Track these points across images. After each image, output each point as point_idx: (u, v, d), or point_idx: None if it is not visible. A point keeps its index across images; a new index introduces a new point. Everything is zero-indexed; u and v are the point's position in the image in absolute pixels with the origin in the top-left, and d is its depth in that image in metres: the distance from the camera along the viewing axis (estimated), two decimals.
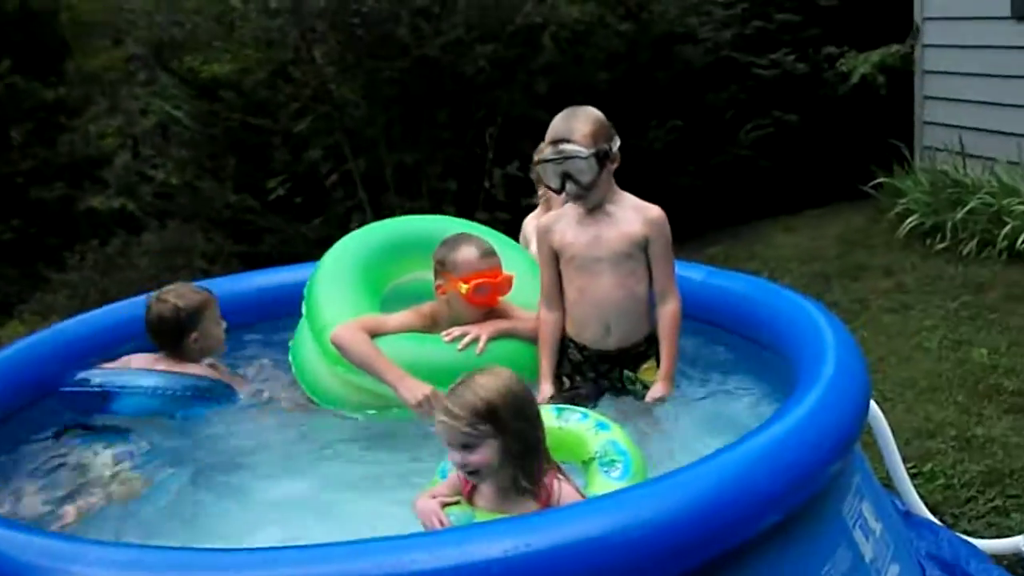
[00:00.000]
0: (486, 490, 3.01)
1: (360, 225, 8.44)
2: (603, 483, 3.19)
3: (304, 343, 4.19)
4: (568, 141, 3.78)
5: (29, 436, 4.00)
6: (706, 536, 2.65)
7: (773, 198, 9.92)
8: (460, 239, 4.01)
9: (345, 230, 8.74)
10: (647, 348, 3.98)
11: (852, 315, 6.99)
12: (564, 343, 4.03)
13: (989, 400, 5.63)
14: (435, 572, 2.43)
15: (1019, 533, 4.24)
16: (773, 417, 3.11)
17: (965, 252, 7.87)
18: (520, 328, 4.04)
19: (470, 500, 3.05)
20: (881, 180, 9.16)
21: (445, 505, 3.04)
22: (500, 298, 4.05)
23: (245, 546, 2.92)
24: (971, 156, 8.81)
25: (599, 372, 4.01)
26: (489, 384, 2.89)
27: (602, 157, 3.81)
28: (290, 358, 4.28)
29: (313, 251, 9.08)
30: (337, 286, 4.16)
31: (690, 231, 9.38)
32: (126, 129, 11.83)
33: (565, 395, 3.91)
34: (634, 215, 3.90)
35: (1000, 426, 5.33)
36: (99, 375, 4.04)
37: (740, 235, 9.36)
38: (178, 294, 4.10)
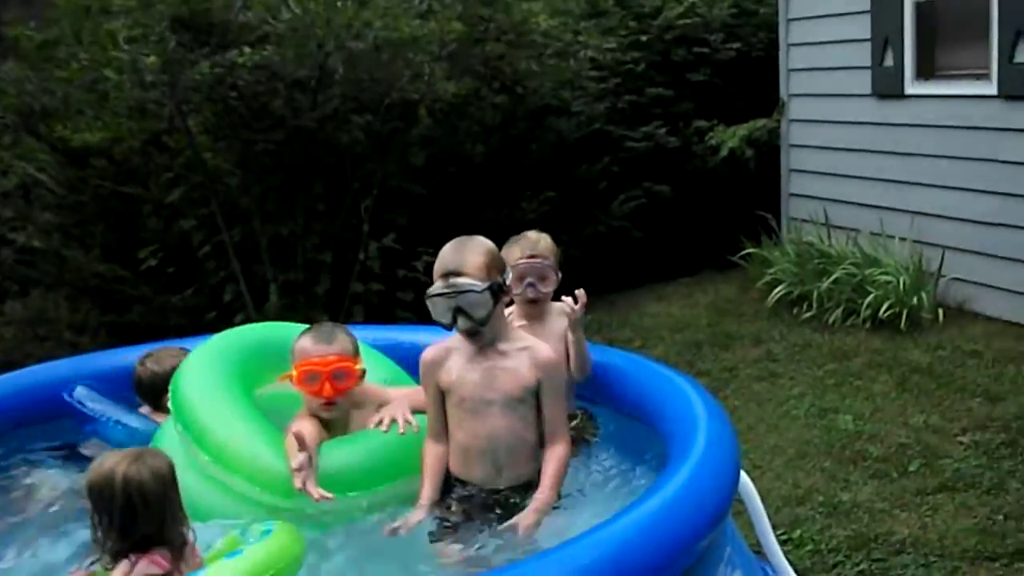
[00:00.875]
0: None
1: (233, 296, 8.45)
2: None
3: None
4: (460, 274, 3.58)
5: None
6: None
7: (646, 268, 10.09)
8: (310, 328, 3.89)
9: (218, 301, 8.71)
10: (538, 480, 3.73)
11: (722, 383, 7.14)
12: (449, 481, 3.78)
13: (855, 466, 5.79)
14: None
15: None
16: (646, 493, 3.15)
17: (831, 321, 8.10)
18: (418, 403, 3.84)
19: None
20: (750, 251, 9.40)
21: None
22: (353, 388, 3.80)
23: None
24: (835, 227, 9.12)
25: (486, 507, 3.72)
26: None
27: (496, 290, 3.63)
28: None
29: (183, 321, 9.00)
30: (225, 407, 3.78)
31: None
32: None
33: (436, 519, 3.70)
34: (527, 357, 3.72)
35: (865, 491, 5.48)
36: (95, 399, 4.45)
37: (614, 304, 9.48)
38: (156, 359, 4.43)
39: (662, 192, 10.20)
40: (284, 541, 3.18)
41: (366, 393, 3.88)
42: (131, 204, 9.26)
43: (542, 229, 9.54)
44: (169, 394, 3.91)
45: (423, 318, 5.63)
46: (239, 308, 8.36)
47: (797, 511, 5.32)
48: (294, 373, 3.75)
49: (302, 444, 3.50)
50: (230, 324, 8.20)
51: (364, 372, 3.82)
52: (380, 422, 3.78)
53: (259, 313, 8.20)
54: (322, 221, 8.37)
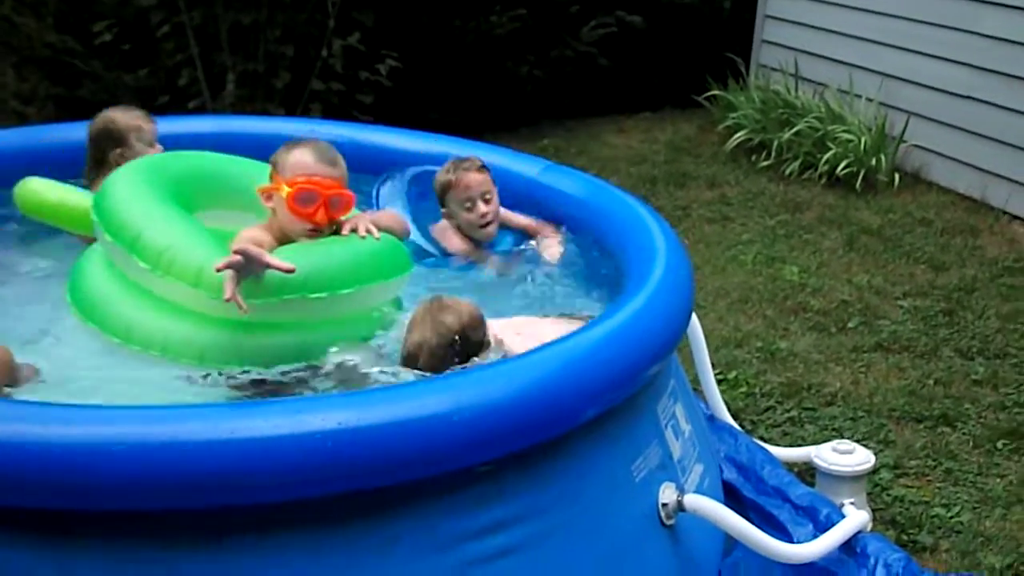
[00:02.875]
0: None
1: (189, 81, 8.24)
2: None
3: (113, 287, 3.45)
4: None
5: None
6: (530, 424, 2.69)
7: (608, 98, 9.97)
8: (303, 142, 3.55)
9: (172, 84, 8.49)
10: None
11: (675, 221, 7.12)
12: None
13: (795, 316, 5.87)
14: (270, 440, 2.42)
15: (811, 443, 4.44)
16: (602, 315, 3.16)
17: (787, 172, 8.10)
18: (381, 218, 3.69)
19: None
20: (715, 92, 9.30)
21: None
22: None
23: None
24: (804, 79, 9.03)
25: None
26: None
27: None
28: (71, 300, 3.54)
29: (134, 101, 8.77)
30: (165, 217, 3.41)
31: (524, 120, 9.42)
32: None
33: None
34: None
35: (803, 342, 5.56)
36: None
37: (573, 131, 9.40)
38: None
39: (634, 22, 9.99)
40: None
41: None
42: None
43: (509, 46, 9.47)
44: (92, 207, 3.56)
45: (383, 122, 5.58)
46: (195, 94, 8.15)
47: (735, 353, 5.39)
48: (285, 189, 3.41)
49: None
50: (183, 109, 8.04)
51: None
52: (339, 230, 3.53)
53: (215, 101, 8.03)
54: (287, 12, 8.11)
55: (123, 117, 4.34)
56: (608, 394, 2.93)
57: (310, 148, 3.48)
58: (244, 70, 8.06)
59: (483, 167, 4.32)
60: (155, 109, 8.11)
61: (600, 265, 4.09)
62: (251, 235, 3.37)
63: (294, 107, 8.16)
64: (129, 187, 3.51)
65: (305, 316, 3.32)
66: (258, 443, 2.43)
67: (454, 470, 2.60)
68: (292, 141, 3.54)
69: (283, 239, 3.45)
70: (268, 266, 3.09)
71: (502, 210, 4.41)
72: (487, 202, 4.29)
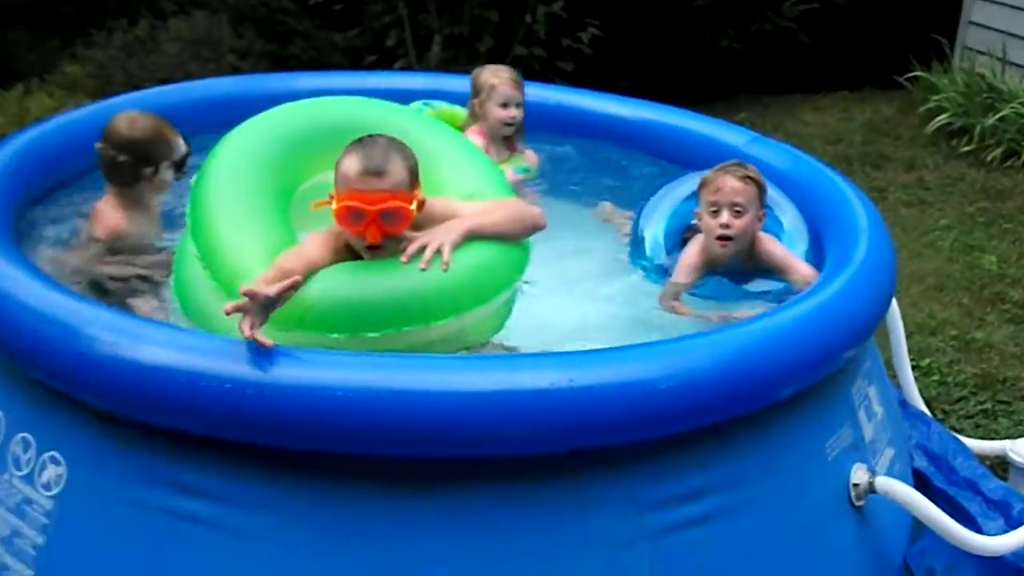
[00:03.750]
0: None
1: (397, 43, 8.47)
2: None
3: (193, 276, 3.24)
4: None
5: None
6: (733, 396, 2.76)
7: (807, 74, 9.83)
8: (360, 143, 3.09)
9: (380, 44, 8.73)
10: None
11: None
12: None
13: (993, 307, 5.75)
14: (481, 395, 2.55)
15: (1004, 437, 4.39)
16: (804, 294, 3.20)
17: (989, 159, 7.88)
18: (484, 227, 3.21)
19: None
20: (917, 74, 9.08)
21: None
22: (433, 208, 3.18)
23: None
24: (1012, 64, 8.74)
25: None
26: None
27: None
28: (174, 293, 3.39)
29: (342, 60, 9.06)
30: (237, 204, 3.24)
31: (721, 93, 9.37)
32: None
33: None
34: None
35: (1000, 333, 5.46)
36: None
37: (769, 106, 9.32)
38: None
39: (837, 0, 9.82)
40: None
41: (433, 209, 3.19)
42: None
43: (711, 18, 9.40)
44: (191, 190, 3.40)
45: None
46: (401, 55, 8.40)
47: (929, 341, 5.33)
48: (334, 205, 3.03)
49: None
50: (390, 68, 8.29)
51: (422, 203, 3.12)
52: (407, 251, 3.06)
53: (420, 62, 8.25)
54: None
55: (487, 73, 4.52)
56: (808, 373, 2.98)
57: (358, 156, 3.03)
58: (450, 33, 8.25)
59: (751, 179, 3.76)
60: (362, 67, 8.46)
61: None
62: (304, 250, 3.09)
63: None
64: (226, 162, 3.38)
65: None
66: (470, 397, 2.58)
67: (657, 437, 2.70)
68: (355, 141, 3.10)
69: (350, 251, 3.12)
70: (280, 294, 2.73)
71: (767, 241, 3.87)
72: (736, 215, 3.73)
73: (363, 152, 3.03)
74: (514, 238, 3.29)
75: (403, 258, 3.03)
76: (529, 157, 4.65)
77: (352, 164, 3.01)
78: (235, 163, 3.38)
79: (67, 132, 4.20)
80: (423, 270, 3.00)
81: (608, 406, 2.59)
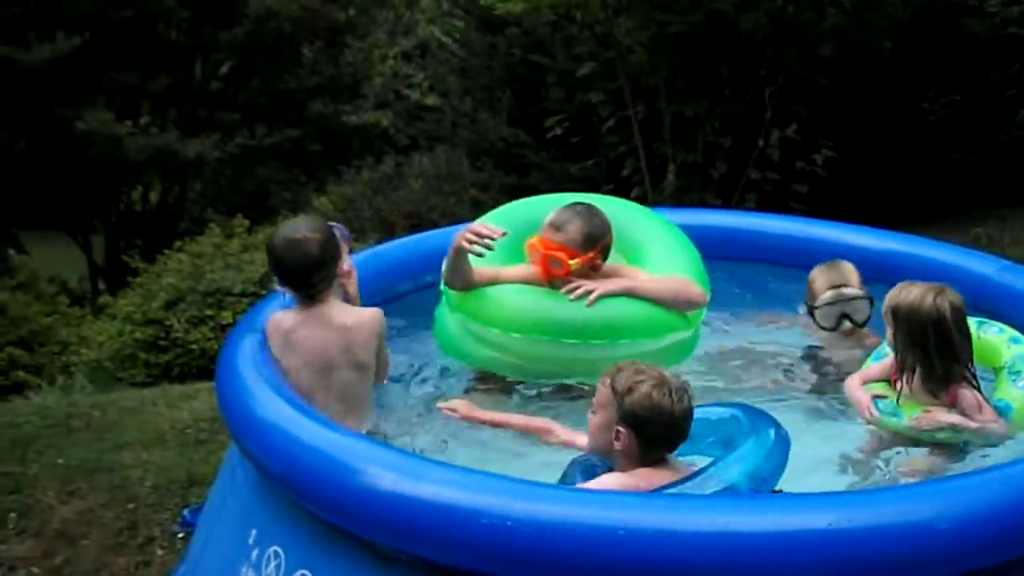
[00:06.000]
0: (914, 382, 3.42)
1: (632, 171, 8.76)
2: (1007, 389, 3.47)
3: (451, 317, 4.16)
4: (846, 285, 4.15)
5: None
6: (1010, 537, 2.69)
7: None
8: (568, 207, 4.00)
9: (615, 174, 9.04)
10: None
11: None
12: None
13: None
14: (757, 536, 2.61)
15: None
16: None
17: None
18: (639, 288, 3.96)
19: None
20: None
21: (876, 397, 3.52)
22: (615, 266, 4.05)
23: None
24: None
25: None
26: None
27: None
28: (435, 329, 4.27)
29: (579, 188, 9.37)
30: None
31: (954, 208, 9.26)
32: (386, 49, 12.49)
33: None
34: None
35: None
36: None
37: (1007, 219, 9.13)
38: None
39: None
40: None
41: (618, 271, 4.04)
42: (537, 73, 9.71)
43: (941, 133, 9.37)
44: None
45: (816, 211, 5.72)
46: (636, 182, 8.68)
47: None
48: (529, 240, 3.96)
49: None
50: (627, 197, 8.56)
51: (597, 266, 3.96)
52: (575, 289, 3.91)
53: (655, 190, 8.50)
54: (725, 105, 8.50)
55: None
56: None
57: (554, 212, 3.96)
58: (684, 161, 8.49)
59: None
60: None
61: None
62: (518, 273, 3.99)
63: (730, 197, 8.50)
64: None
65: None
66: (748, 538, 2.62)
67: None
68: (567, 204, 4.01)
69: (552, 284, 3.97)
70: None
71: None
72: None
73: (558, 212, 3.95)
74: (668, 306, 3.98)
75: (562, 290, 3.89)
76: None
77: (548, 216, 3.94)
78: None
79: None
80: (571, 300, 3.85)
81: (885, 547, 2.60)
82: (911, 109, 9.18)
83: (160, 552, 4.43)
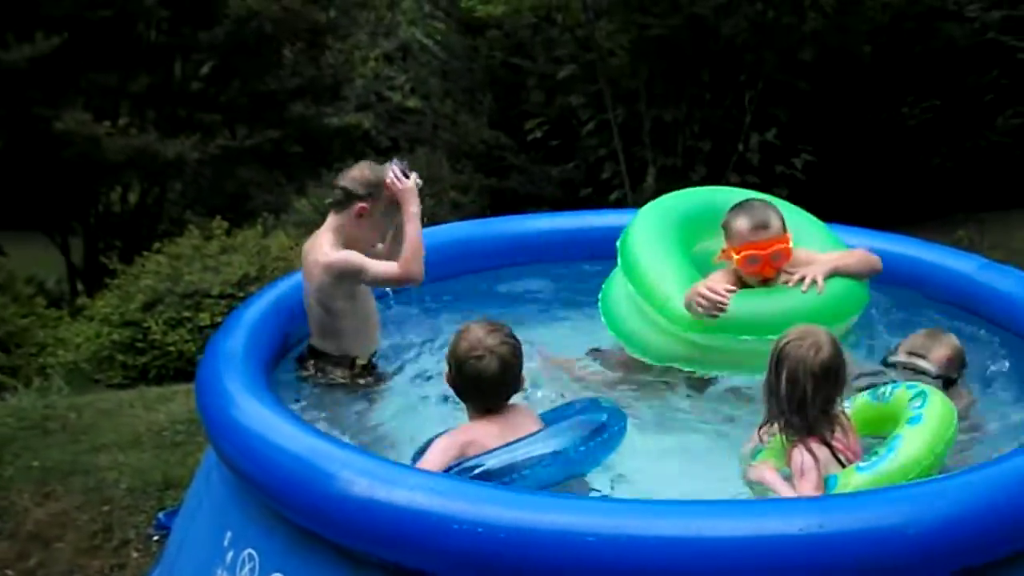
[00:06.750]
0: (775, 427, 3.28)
1: (611, 174, 8.77)
2: (850, 471, 3.17)
3: (625, 304, 4.29)
4: (923, 358, 3.96)
5: None
6: (989, 539, 2.75)
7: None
8: (741, 208, 4.07)
9: (595, 177, 9.05)
10: None
11: None
12: None
13: None
14: (729, 541, 2.64)
15: None
16: None
17: None
18: (842, 267, 4.09)
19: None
20: None
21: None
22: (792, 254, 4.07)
23: None
24: None
25: None
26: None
27: (946, 383, 3.87)
28: (603, 317, 4.35)
29: (557, 193, 9.41)
30: (659, 254, 4.20)
31: (935, 212, 9.30)
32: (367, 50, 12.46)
33: None
34: None
35: None
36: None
37: (986, 222, 9.17)
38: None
39: None
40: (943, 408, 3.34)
41: (797, 255, 4.09)
42: (517, 76, 9.72)
43: (921, 137, 9.41)
44: (619, 244, 4.35)
45: None
46: (616, 186, 8.69)
47: None
48: (735, 256, 4.01)
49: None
50: (604, 201, 8.58)
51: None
52: (790, 280, 4.03)
53: (635, 193, 8.51)
54: (705, 109, 8.52)
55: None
56: None
57: (746, 216, 4.02)
58: (663, 164, 8.51)
59: None
60: (577, 200, 8.78)
61: None
62: (715, 279, 4.01)
63: None
64: (643, 228, 4.31)
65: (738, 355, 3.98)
66: (719, 543, 2.65)
67: None
68: (735, 207, 4.08)
69: (744, 283, 4.07)
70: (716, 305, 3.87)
71: None
72: None
73: (750, 213, 4.02)
74: (862, 277, 4.15)
75: (791, 283, 4.00)
76: None
77: (744, 223, 4.00)
78: (651, 226, 4.33)
79: None
80: (804, 292, 3.96)
81: (863, 551, 2.61)
82: (891, 114, 9.22)
83: (135, 555, 4.41)
